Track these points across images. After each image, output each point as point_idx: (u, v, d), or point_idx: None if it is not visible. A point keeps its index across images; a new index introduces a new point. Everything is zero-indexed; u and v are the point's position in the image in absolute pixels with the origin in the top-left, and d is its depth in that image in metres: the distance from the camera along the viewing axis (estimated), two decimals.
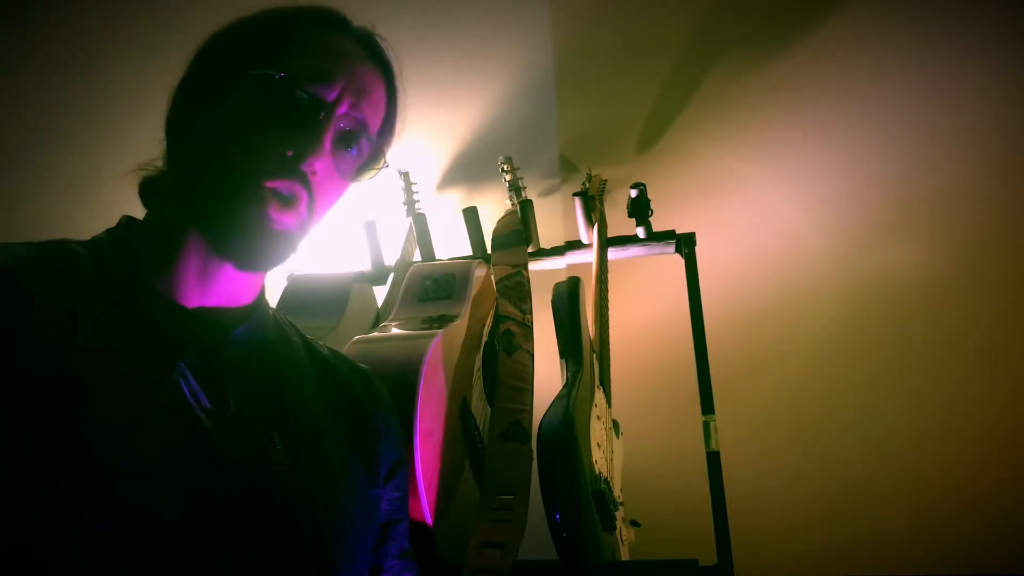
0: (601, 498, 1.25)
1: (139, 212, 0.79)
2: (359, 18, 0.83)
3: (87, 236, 0.75)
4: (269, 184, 0.70)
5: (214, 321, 0.73)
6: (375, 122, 0.81)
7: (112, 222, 0.78)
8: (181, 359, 0.68)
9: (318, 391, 0.80)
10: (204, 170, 0.72)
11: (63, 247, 0.71)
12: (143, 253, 0.73)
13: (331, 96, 0.74)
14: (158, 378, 0.66)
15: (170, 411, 0.65)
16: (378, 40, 0.83)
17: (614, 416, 1.54)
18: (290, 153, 0.71)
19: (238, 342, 0.74)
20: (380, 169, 0.85)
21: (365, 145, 0.79)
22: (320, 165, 0.72)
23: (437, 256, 1.84)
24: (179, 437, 0.64)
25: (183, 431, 0.65)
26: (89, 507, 0.57)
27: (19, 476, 0.57)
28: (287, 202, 0.71)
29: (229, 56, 0.76)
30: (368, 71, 0.79)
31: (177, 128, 0.77)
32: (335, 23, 0.81)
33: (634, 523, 1.49)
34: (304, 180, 0.72)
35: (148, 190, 0.78)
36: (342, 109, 0.75)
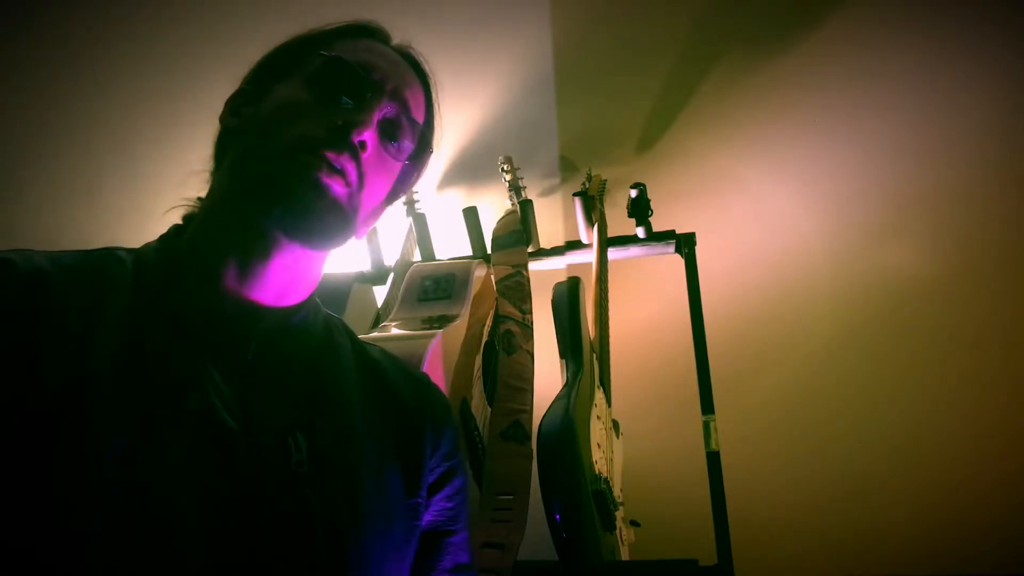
0: (601, 498, 1.25)
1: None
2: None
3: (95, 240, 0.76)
4: (321, 151, 0.72)
5: (251, 321, 0.73)
6: (418, 119, 0.84)
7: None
8: (209, 359, 0.68)
9: (360, 395, 0.80)
10: (255, 147, 0.75)
11: (108, 254, 0.73)
12: (186, 258, 0.74)
13: (376, 77, 0.78)
14: (184, 377, 0.66)
15: (194, 410, 0.65)
16: (416, 55, 0.87)
17: (614, 416, 1.54)
18: (340, 122, 0.73)
19: (274, 342, 0.74)
20: (418, 178, 0.89)
21: (409, 136, 0.81)
22: (369, 137, 0.74)
23: (437, 256, 1.84)
24: (201, 435, 0.64)
25: (206, 430, 0.65)
26: (102, 504, 0.58)
27: (34, 473, 0.57)
28: (336, 170, 0.73)
29: (278, 66, 0.81)
30: (410, 74, 0.84)
31: (227, 135, 0.80)
32: (378, 34, 0.86)
33: (634, 523, 1.49)
34: (354, 153, 0.73)
35: (190, 220, 0.80)
36: (388, 91, 0.78)
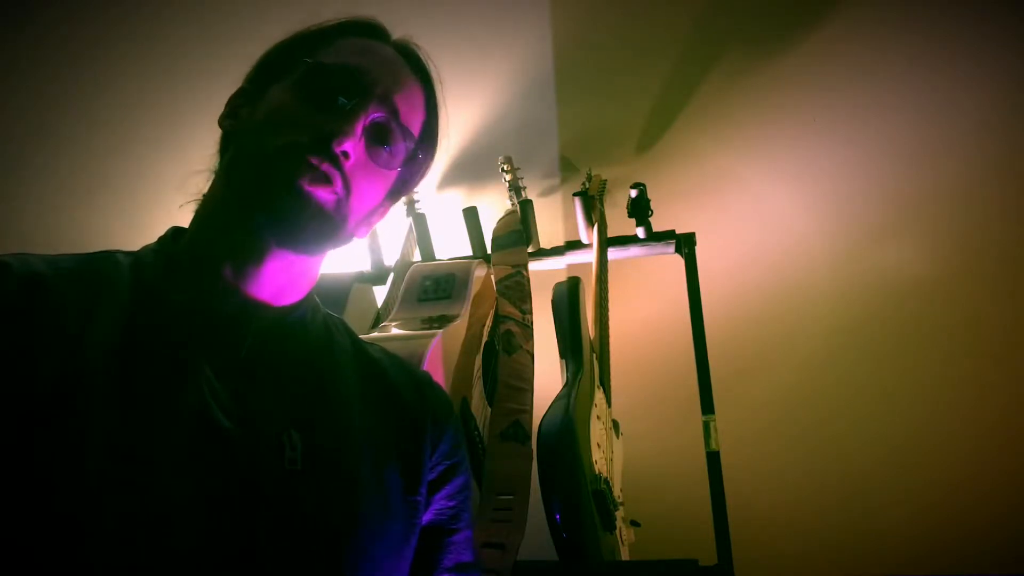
0: (601, 498, 1.25)
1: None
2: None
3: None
4: (305, 157, 0.72)
5: (246, 319, 0.74)
6: (412, 123, 0.82)
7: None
8: (203, 357, 0.68)
9: (359, 393, 0.80)
10: (246, 152, 0.75)
11: (107, 257, 0.73)
12: (184, 258, 0.75)
13: (363, 82, 0.76)
14: (177, 374, 0.66)
15: (188, 408, 0.65)
16: (417, 51, 0.85)
17: (614, 416, 1.54)
18: (324, 130, 0.73)
19: (271, 340, 0.74)
20: (422, 177, 0.88)
21: (401, 142, 0.79)
22: (351, 147, 0.73)
23: (437, 256, 1.84)
24: (195, 434, 0.64)
25: (200, 428, 0.65)
26: (99, 501, 0.58)
27: (31, 471, 0.57)
28: (321, 177, 0.72)
29: (274, 67, 0.80)
30: (405, 74, 0.82)
31: (225, 138, 0.81)
32: (375, 31, 0.84)
33: (634, 523, 1.49)
34: (336, 162, 0.73)
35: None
36: (375, 97, 0.76)
